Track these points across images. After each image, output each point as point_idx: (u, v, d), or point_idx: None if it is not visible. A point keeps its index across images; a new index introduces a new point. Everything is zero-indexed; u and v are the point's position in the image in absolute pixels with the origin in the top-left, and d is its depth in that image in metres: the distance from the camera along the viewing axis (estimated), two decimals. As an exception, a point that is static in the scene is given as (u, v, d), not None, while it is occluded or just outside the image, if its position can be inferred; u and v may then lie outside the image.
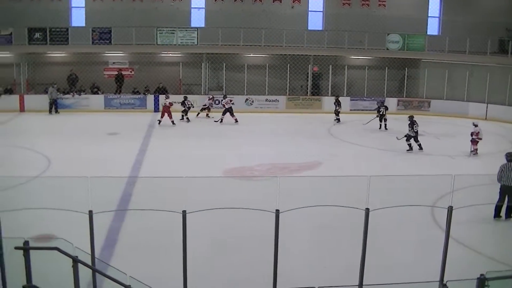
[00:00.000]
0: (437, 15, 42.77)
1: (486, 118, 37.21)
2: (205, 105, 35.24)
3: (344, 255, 14.23)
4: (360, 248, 10.71)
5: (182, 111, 33.66)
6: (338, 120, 34.75)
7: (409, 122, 27.72)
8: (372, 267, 11.42)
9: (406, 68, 39.86)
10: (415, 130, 27.49)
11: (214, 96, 35.90)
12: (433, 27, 42.83)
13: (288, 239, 13.75)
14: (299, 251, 15.00)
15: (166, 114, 32.00)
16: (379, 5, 41.00)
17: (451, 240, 11.30)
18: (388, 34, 39.61)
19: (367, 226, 10.47)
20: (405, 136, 27.55)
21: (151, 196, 17.31)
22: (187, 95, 34.92)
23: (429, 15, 42.61)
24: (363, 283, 10.68)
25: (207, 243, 15.35)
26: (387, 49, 39.76)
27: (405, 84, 40.09)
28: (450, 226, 10.85)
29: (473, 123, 27.75)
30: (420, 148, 27.62)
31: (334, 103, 34.94)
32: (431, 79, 39.73)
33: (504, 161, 17.71)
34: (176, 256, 10.69)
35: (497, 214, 17.28)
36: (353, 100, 39.01)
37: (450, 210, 10.77)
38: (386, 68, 39.48)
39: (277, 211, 10.11)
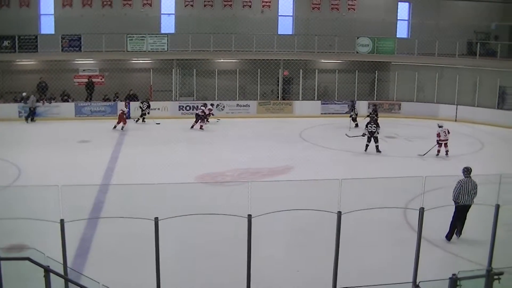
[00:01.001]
0: (406, 18, 43.12)
1: (456, 120, 37.57)
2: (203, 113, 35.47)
3: (318, 259, 14.24)
4: (333, 251, 10.73)
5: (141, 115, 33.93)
6: (356, 125, 34.42)
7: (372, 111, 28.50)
8: (346, 270, 11.45)
9: (376, 71, 40.10)
10: (370, 130, 27.90)
11: (206, 103, 35.44)
12: (402, 30, 43.16)
13: (262, 244, 13.74)
14: (272, 256, 15.00)
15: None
16: (349, 9, 41.21)
17: (424, 241, 11.37)
18: (358, 38, 39.84)
19: (339, 229, 10.50)
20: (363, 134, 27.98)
21: (124, 203, 17.22)
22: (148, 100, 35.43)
23: (398, 18, 42.94)
24: (337, 286, 10.71)
25: (180, 249, 15.29)
26: (357, 52, 39.98)
27: (376, 87, 40.33)
28: (422, 227, 10.92)
29: (438, 124, 28.04)
30: (378, 150, 27.92)
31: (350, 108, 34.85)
32: (401, 81, 40.06)
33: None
34: (149, 263, 10.64)
35: (451, 235, 16.35)
36: (324, 104, 39.12)
37: (421, 211, 10.85)
38: (357, 71, 39.67)
39: (249, 216, 10.11)
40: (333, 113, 38.87)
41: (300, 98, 39.31)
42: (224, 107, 37.60)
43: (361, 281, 11.27)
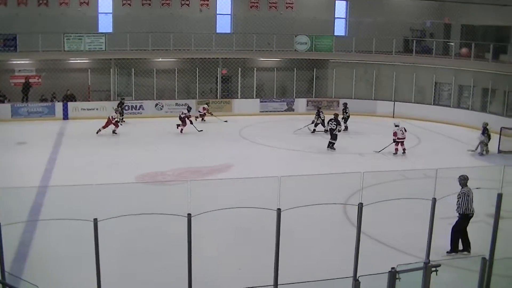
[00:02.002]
0: (344, 16, 43.48)
1: (393, 116, 38.07)
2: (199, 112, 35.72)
3: (259, 256, 14.26)
4: (274, 248, 10.74)
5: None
6: (346, 127, 33.98)
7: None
8: (287, 266, 11.48)
9: (315, 69, 40.37)
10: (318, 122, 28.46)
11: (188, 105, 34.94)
12: (340, 28, 43.49)
13: (203, 243, 13.70)
14: (214, 254, 14.96)
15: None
16: (287, 7, 41.34)
17: (363, 236, 11.48)
18: (296, 36, 40.02)
19: (279, 226, 10.51)
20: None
21: (63, 205, 16.97)
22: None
23: (336, 16, 43.25)
24: (278, 283, 10.73)
25: (121, 250, 15.14)
26: (296, 50, 40.16)
27: (314, 85, 40.59)
28: (361, 222, 11.02)
29: (394, 123, 28.41)
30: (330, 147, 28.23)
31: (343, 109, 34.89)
32: (339, 79, 40.40)
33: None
34: (90, 264, 10.49)
35: (456, 248, 15.47)
36: (262, 102, 39.20)
37: (360, 207, 10.94)
38: (295, 69, 39.85)
39: (189, 215, 10.05)
40: (271, 111, 38.98)
41: (239, 96, 39.29)
42: (163, 106, 37.32)
43: (302, 277, 11.32)
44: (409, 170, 24.31)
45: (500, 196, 11.41)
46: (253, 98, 39.13)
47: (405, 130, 27.92)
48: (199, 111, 35.91)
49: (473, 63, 37.08)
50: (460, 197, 15.31)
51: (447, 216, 17.87)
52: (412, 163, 26.12)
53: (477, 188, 13.33)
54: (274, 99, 39.62)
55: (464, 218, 15.27)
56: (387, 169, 24.41)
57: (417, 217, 13.36)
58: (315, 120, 32.73)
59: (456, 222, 15.38)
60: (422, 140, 31.36)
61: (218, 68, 39.38)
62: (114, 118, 31.13)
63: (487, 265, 11.14)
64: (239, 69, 38.88)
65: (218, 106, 38.28)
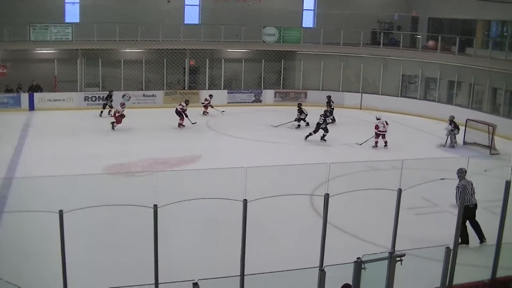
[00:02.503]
0: (312, 8, 43.58)
1: (361, 108, 38.37)
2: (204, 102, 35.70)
3: (226, 247, 14.28)
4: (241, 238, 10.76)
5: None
6: (333, 119, 33.85)
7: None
8: (254, 257, 11.51)
9: (283, 60, 40.42)
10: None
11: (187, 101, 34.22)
12: (308, 20, 43.59)
13: (170, 234, 13.67)
14: (181, 245, 14.96)
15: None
16: (255, -2, 41.37)
17: (330, 226, 11.54)
18: (264, 27, 40.02)
19: (245, 217, 10.51)
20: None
21: (28, 197, 16.82)
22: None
23: (304, 8, 43.34)
24: (245, 273, 10.75)
25: (88, 242, 15.07)
26: (264, 42, 40.18)
27: (282, 76, 40.64)
28: (328, 213, 11.07)
29: (376, 116, 28.58)
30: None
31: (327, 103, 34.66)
32: (307, 70, 40.51)
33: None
34: (56, 258, 10.40)
35: (466, 240, 15.80)
36: (230, 93, 39.16)
37: (326, 197, 10.97)
38: (263, 60, 39.87)
39: (155, 206, 10.01)
40: (239, 102, 38.96)
41: (207, 87, 39.19)
42: (130, 97, 37.08)
43: (268, 268, 11.35)
44: (376, 161, 24.51)
45: (399, 192, 11.36)
46: (220, 89, 39.05)
47: (387, 124, 28.12)
48: (202, 103, 35.90)
49: (440, 55, 37.48)
50: (457, 190, 15.64)
51: (413, 207, 18.14)
52: (380, 155, 26.32)
53: (441, 179, 13.46)
54: (242, 90, 39.59)
55: (464, 210, 14.75)
56: (355, 160, 24.57)
57: (383, 208, 13.48)
58: (299, 116, 32.46)
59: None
60: (389, 131, 31.55)
61: (186, 59, 39.25)
62: (119, 112, 30.65)
63: (451, 255, 11.28)
64: (207, 60, 38.79)
65: (186, 97, 38.14)
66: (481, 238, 15.72)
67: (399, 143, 28.90)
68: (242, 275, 10.67)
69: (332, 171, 11.09)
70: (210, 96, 35.92)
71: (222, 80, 39.48)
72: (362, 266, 9.91)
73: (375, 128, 27.99)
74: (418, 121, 34.49)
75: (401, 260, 10.26)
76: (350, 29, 39.76)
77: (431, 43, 39.80)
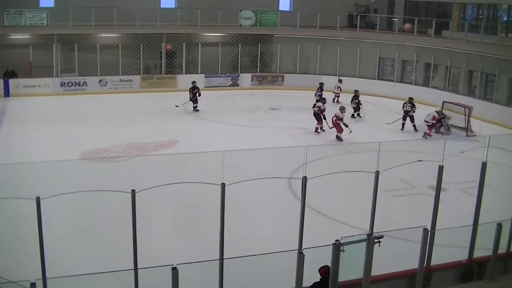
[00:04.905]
0: (289, -9, 43.53)
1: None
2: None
3: (205, 231, 14.29)
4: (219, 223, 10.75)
5: None
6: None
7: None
8: (233, 241, 11.51)
9: (260, 44, 40.28)
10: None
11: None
12: (284, 3, 43.48)
13: (149, 219, 13.66)
14: (159, 230, 14.95)
15: None
16: (232, -18, 41.15)
17: (308, 209, 11.56)
18: (240, 11, 39.87)
19: (223, 201, 10.50)
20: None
21: (4, 184, 16.66)
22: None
23: (281, -9, 43.26)
24: (224, 257, 10.75)
25: (66, 229, 15.01)
26: (240, 25, 40.05)
27: (259, 60, 40.54)
28: (306, 196, 11.09)
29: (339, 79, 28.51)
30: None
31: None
32: (284, 54, 40.49)
33: None
34: (34, 245, 10.33)
35: None
36: (207, 77, 39.00)
37: (304, 180, 10.99)
38: (240, 44, 39.73)
39: (133, 191, 9.96)
40: (216, 86, 38.84)
41: (184, 72, 39.04)
42: (107, 82, 36.84)
43: (247, 251, 11.37)
44: (352, 144, 24.62)
45: (377, 174, 11.55)
46: (197, 73, 38.88)
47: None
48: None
49: (416, 38, 37.66)
50: None
51: (391, 189, 18.23)
52: (356, 137, 26.39)
53: (418, 161, 13.52)
54: (219, 75, 39.45)
55: None
56: (332, 143, 24.66)
57: (361, 191, 13.53)
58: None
59: None
60: (367, 114, 31.68)
61: (163, 44, 39.01)
62: None
63: (428, 236, 11.36)
64: (184, 44, 38.59)
65: (163, 82, 38.01)
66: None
67: (375, 125, 29.00)
68: (221, 259, 10.68)
69: (310, 155, 11.10)
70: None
71: (199, 64, 39.27)
72: (341, 249, 9.95)
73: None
74: (395, 103, 34.51)
75: (379, 242, 10.31)
76: (326, 12, 39.71)
77: (407, 26, 39.94)
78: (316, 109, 27.47)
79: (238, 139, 25.50)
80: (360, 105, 31.64)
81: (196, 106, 31.79)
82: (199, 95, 31.68)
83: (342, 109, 26.50)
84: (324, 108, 27.49)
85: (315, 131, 27.35)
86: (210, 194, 10.85)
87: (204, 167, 12.18)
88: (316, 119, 27.39)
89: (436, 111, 28.36)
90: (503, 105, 31.72)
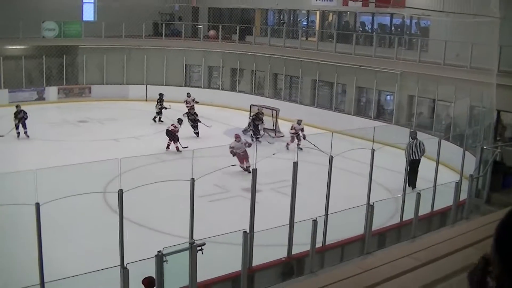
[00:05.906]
0: (92, 1, 42.72)
1: (146, 99, 38.21)
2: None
3: (21, 255, 13.73)
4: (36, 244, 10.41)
5: None
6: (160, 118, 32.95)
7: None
8: (53, 262, 11.21)
9: (65, 56, 39.25)
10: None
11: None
12: (89, 13, 42.62)
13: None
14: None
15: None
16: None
17: (127, 222, 11.48)
18: (43, 22, 38.68)
19: (39, 221, 10.16)
20: None
21: None
22: None
23: (84, 1, 42.35)
24: (44, 281, 10.43)
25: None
26: (43, 37, 38.86)
27: (65, 72, 39.49)
28: (123, 209, 11.00)
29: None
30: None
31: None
32: (90, 65, 39.76)
33: None
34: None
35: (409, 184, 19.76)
36: (11, 92, 37.35)
37: (120, 193, 10.91)
38: (44, 56, 38.47)
39: None
40: (22, 101, 37.32)
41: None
42: None
43: (69, 271, 11.11)
44: (163, 153, 24.81)
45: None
46: (1, 88, 37.21)
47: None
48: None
49: (221, 44, 38.54)
50: (406, 147, 19.35)
51: (206, 194, 18.44)
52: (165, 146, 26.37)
53: (232, 166, 13.84)
54: (23, 89, 37.97)
55: (410, 162, 18.95)
56: (142, 153, 24.57)
57: (177, 198, 13.61)
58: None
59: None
60: (174, 122, 31.77)
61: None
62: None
63: (248, 238, 11.67)
64: (-17, 58, 36.84)
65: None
66: (413, 184, 20.76)
67: (187, 133, 28.98)
68: (42, 283, 10.36)
69: (124, 166, 11.04)
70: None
71: (2, 79, 37.55)
72: (164, 259, 9.99)
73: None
74: (203, 109, 34.68)
75: (201, 249, 10.46)
76: (132, 22, 39.45)
77: (212, 32, 40.73)
78: (171, 127, 26.86)
79: (47, 155, 24.57)
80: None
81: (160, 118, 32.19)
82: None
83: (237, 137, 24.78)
84: (178, 129, 26.97)
85: (167, 148, 26.60)
86: (23, 216, 10.50)
87: (16, 187, 11.77)
88: (170, 138, 26.80)
89: (297, 122, 27.68)
90: (308, 105, 33.20)
